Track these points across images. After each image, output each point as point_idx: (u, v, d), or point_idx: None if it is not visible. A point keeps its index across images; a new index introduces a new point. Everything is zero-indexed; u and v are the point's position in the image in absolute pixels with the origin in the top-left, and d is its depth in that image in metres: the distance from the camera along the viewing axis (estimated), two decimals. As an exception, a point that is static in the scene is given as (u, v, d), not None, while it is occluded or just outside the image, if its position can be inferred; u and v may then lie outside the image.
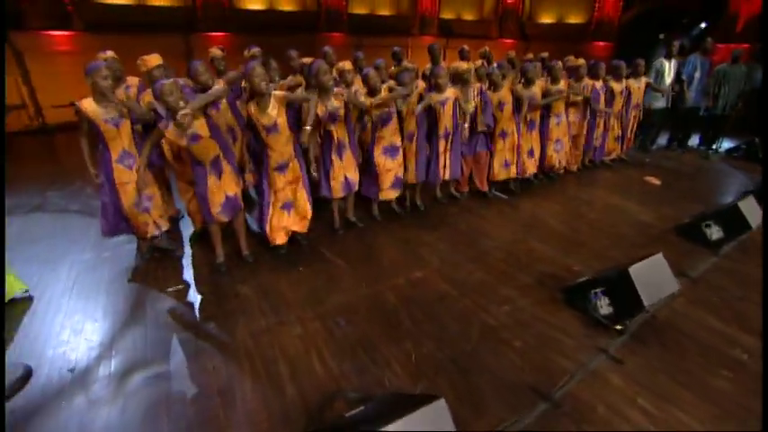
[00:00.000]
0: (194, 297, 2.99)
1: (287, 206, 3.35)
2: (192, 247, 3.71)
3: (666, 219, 4.36)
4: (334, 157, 3.53)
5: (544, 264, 3.45)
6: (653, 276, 2.52)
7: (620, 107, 5.68)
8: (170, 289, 3.07)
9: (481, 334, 2.62)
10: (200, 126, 2.85)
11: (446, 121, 4.09)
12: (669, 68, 6.17)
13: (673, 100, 6.45)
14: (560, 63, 4.90)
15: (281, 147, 3.14)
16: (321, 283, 3.12)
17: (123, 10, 7.34)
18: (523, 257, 3.55)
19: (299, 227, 3.47)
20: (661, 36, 10.31)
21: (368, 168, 3.87)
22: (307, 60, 4.18)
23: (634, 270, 2.45)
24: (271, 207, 3.28)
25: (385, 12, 10.57)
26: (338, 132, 3.48)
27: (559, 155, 5.25)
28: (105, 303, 2.91)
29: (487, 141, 4.60)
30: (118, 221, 3.17)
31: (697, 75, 6.56)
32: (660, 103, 6.40)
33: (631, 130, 6.11)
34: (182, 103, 2.69)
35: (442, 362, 2.40)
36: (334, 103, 3.33)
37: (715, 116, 6.65)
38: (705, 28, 9.31)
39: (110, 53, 3.45)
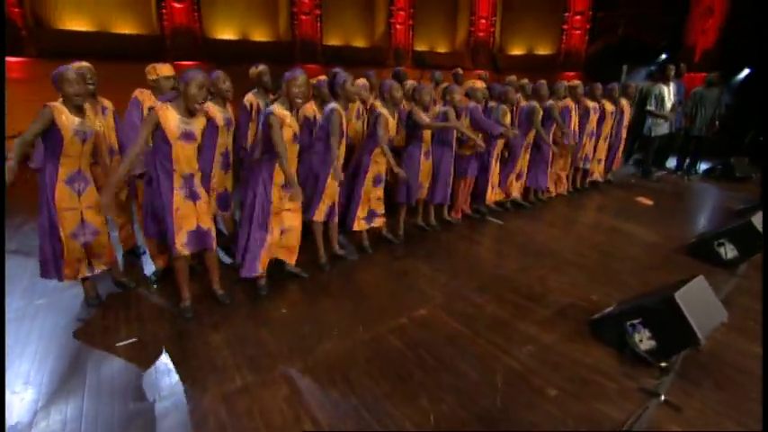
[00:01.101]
0: (151, 352, 2.41)
1: (282, 230, 2.95)
2: (152, 286, 3.14)
3: (671, 238, 4.16)
4: (330, 177, 3.15)
5: (559, 293, 3.09)
6: (699, 303, 2.19)
7: (607, 129, 5.59)
8: (120, 343, 2.47)
9: (507, 382, 2.18)
10: (198, 126, 2.49)
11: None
12: (669, 93, 6.11)
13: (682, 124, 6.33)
14: (544, 82, 4.77)
15: (292, 161, 2.84)
16: (310, 328, 2.62)
17: (83, 37, 6.89)
18: (536, 287, 3.18)
19: (283, 255, 3.01)
20: (624, 67, 10.66)
21: (352, 195, 3.50)
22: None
23: (681, 296, 2.10)
24: (269, 232, 2.82)
25: (360, 43, 10.58)
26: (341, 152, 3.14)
27: (546, 177, 5.06)
28: (30, 368, 2.27)
29: (478, 166, 4.31)
30: (56, 257, 2.62)
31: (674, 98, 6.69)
32: (663, 128, 6.25)
33: (615, 152, 6.03)
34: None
35: (468, 421, 1.94)
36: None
37: (693, 138, 6.74)
38: (665, 59, 9.73)
39: (85, 64, 3.00)
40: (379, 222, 3.65)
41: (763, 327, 2.11)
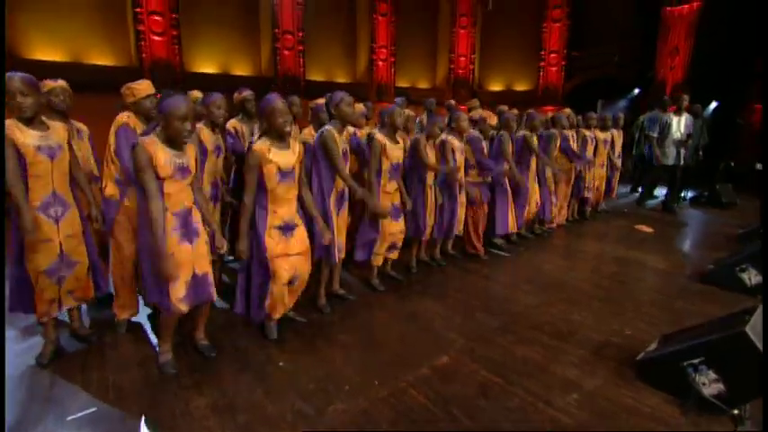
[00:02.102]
0: (115, 426, 1.92)
1: (292, 281, 2.49)
2: (119, 336, 2.64)
3: (682, 266, 4.00)
4: (332, 211, 2.80)
5: (589, 330, 2.79)
6: (768, 337, 1.92)
7: (602, 157, 5.55)
8: (72, 417, 1.97)
9: (560, 442, 1.82)
10: (190, 158, 2.13)
11: (460, 172, 3.68)
12: (678, 124, 5.93)
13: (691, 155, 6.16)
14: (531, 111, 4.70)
15: (290, 201, 2.45)
16: (315, 385, 2.19)
17: (56, 67, 6.49)
18: (560, 323, 2.87)
19: (290, 300, 2.62)
20: (600, 101, 11.02)
21: (363, 228, 3.16)
22: (319, 101, 3.59)
23: (752, 330, 1.83)
24: (274, 278, 2.41)
25: (342, 79, 10.60)
26: (340, 187, 2.82)
27: (554, 207, 4.91)
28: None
29: (487, 194, 4.10)
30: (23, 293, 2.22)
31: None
32: (670, 159, 6.04)
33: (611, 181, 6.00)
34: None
35: (526, 501, 1.55)
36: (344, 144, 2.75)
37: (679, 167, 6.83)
38: (638, 94, 10.13)
39: (60, 81, 2.64)
40: (395, 255, 3.34)
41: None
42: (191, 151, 2.15)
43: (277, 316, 2.54)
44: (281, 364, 2.37)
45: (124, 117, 2.58)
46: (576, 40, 10.60)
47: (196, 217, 2.19)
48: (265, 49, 9.39)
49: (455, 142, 3.63)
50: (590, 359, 2.46)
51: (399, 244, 3.31)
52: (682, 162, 6.01)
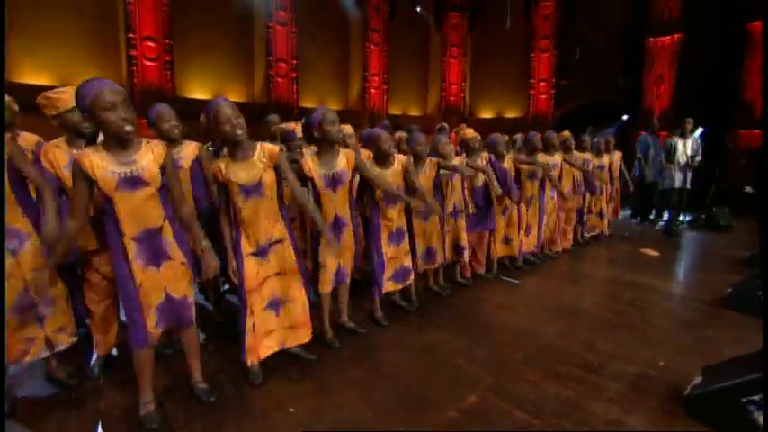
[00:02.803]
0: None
1: (274, 304, 2.24)
2: (97, 380, 2.33)
3: (698, 290, 3.87)
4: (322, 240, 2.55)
5: (620, 361, 2.59)
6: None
7: (600, 182, 5.51)
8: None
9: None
10: (147, 163, 1.75)
11: (455, 197, 3.48)
12: (684, 146, 5.91)
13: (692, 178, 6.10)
14: (555, 134, 4.65)
15: (263, 220, 2.16)
16: (330, 433, 1.93)
17: (43, 91, 6.30)
18: (588, 355, 2.67)
19: (292, 339, 2.34)
20: (589, 128, 11.20)
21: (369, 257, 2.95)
22: (288, 126, 3.44)
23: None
24: (248, 312, 2.14)
25: (335, 106, 10.60)
26: (338, 205, 2.58)
27: (555, 232, 4.80)
28: None
29: (491, 218, 3.97)
30: None
31: (652, 152, 6.89)
32: (675, 183, 6.03)
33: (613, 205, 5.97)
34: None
35: None
36: (339, 165, 2.51)
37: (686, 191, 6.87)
38: (626, 120, 10.36)
39: (8, 98, 2.39)
40: (411, 279, 3.10)
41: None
42: (151, 155, 1.76)
43: (255, 359, 2.24)
44: (291, 410, 2.09)
45: (51, 149, 2.13)
46: (564, 68, 10.89)
47: (167, 238, 1.86)
48: (259, 76, 9.36)
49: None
50: (628, 394, 2.25)
51: (411, 276, 3.07)
52: (688, 186, 5.97)
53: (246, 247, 2.14)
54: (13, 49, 6.07)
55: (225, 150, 2.17)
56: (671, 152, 5.93)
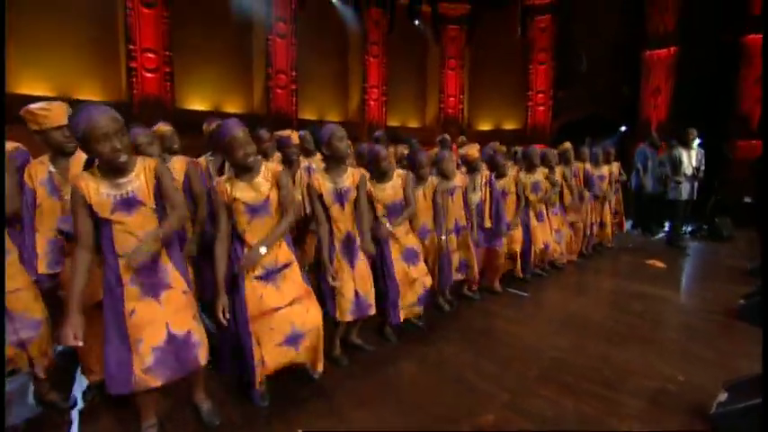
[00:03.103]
0: None
1: (293, 340, 2.06)
2: (91, 401, 2.22)
3: (709, 301, 3.81)
4: (342, 260, 2.48)
5: (638, 376, 2.52)
6: None
7: (602, 193, 5.49)
8: None
9: None
10: (141, 182, 1.69)
11: (456, 213, 3.42)
12: (689, 158, 5.79)
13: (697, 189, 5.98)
14: (554, 151, 4.64)
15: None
16: (344, 456, 1.83)
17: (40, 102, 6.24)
18: (604, 369, 2.59)
19: (306, 357, 2.18)
20: (587, 139, 11.24)
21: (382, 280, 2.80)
22: (284, 133, 3.38)
23: None
24: (253, 343, 2.01)
25: (334, 117, 10.61)
26: (347, 222, 2.50)
27: (561, 245, 4.74)
28: None
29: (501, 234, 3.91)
30: None
31: (650, 164, 6.91)
32: (683, 194, 5.87)
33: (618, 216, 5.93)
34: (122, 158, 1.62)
35: None
36: (345, 182, 2.45)
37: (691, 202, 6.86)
38: (624, 132, 10.42)
39: None
40: (419, 310, 2.95)
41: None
42: (143, 173, 1.70)
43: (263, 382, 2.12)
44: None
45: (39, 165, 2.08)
46: (562, 80, 10.98)
47: (165, 264, 1.75)
48: (258, 88, 9.36)
49: (447, 185, 3.33)
50: (651, 411, 2.17)
51: (429, 285, 2.92)
52: (695, 197, 5.91)
53: (252, 269, 2.02)
54: (11, 59, 6.02)
55: (228, 168, 2.08)
56: (676, 164, 5.84)
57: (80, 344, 1.56)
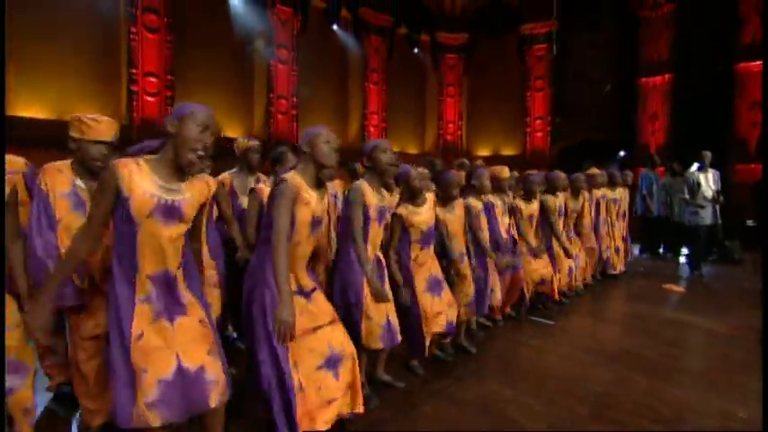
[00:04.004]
0: None
1: (332, 363, 1.82)
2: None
3: (739, 327, 3.67)
4: (364, 288, 2.25)
5: (694, 413, 2.32)
6: None
7: (613, 216, 5.41)
8: None
9: None
10: (190, 197, 1.52)
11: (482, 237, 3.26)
12: (707, 180, 5.59)
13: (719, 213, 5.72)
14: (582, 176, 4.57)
15: (307, 258, 1.92)
16: None
17: (39, 125, 6.02)
18: (658, 406, 2.39)
19: (344, 403, 1.86)
20: (585, 164, 11.33)
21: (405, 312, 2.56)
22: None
23: None
24: (290, 364, 1.73)
25: (334, 143, 10.55)
26: (376, 244, 2.33)
27: (577, 270, 4.60)
28: None
29: (519, 258, 3.76)
30: None
31: (655, 188, 6.90)
32: (707, 219, 5.60)
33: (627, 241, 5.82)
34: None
35: None
36: (386, 199, 2.30)
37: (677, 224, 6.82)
38: (623, 157, 10.52)
39: None
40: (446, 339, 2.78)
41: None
42: (196, 189, 1.53)
43: (317, 426, 1.75)
44: (337, 486, 1.74)
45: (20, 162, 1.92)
46: (560, 106, 11.15)
47: (181, 285, 1.54)
48: (259, 112, 9.31)
49: (478, 205, 3.23)
50: (722, 455, 1.97)
51: (452, 320, 2.69)
52: (718, 220, 5.68)
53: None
54: (11, 81, 5.87)
55: (293, 174, 1.85)
56: (694, 189, 5.62)
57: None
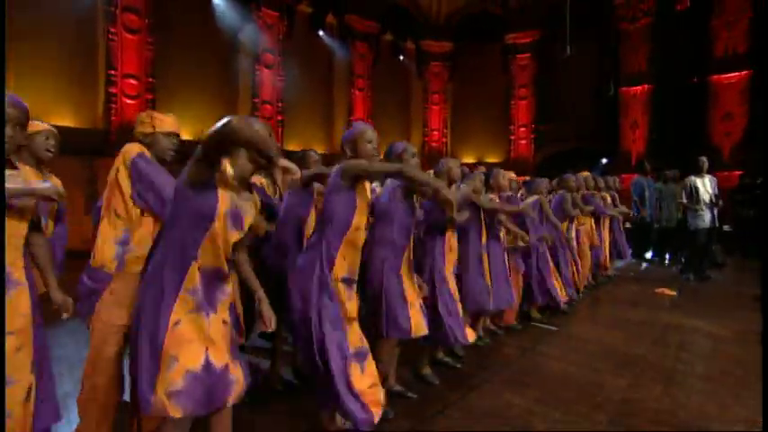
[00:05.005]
0: None
1: (361, 355, 1.85)
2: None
3: (740, 331, 3.69)
4: (405, 275, 2.22)
5: (714, 420, 2.28)
6: None
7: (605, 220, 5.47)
8: None
9: None
10: (250, 208, 1.57)
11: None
12: (704, 185, 5.66)
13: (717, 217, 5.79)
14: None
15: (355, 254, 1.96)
16: None
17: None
18: (678, 411, 2.34)
19: (376, 402, 1.84)
20: (568, 171, 11.53)
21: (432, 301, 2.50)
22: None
23: None
24: (347, 355, 1.77)
25: (320, 148, 10.40)
26: (409, 236, 2.26)
27: (578, 275, 4.60)
28: None
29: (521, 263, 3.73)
30: None
31: (647, 193, 7.05)
32: (704, 222, 5.66)
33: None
34: None
35: None
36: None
37: (666, 229, 6.98)
38: (606, 163, 10.76)
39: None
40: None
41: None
42: (251, 205, 1.57)
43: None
44: None
45: (136, 147, 1.88)
46: (543, 114, 11.36)
47: (222, 285, 1.51)
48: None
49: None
50: (753, 462, 1.91)
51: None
52: (716, 224, 5.76)
53: (340, 271, 1.86)
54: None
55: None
56: (692, 193, 5.68)
57: None
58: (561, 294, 3.89)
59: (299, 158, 2.70)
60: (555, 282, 3.86)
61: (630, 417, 2.29)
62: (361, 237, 1.94)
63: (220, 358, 1.44)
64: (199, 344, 1.41)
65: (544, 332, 3.68)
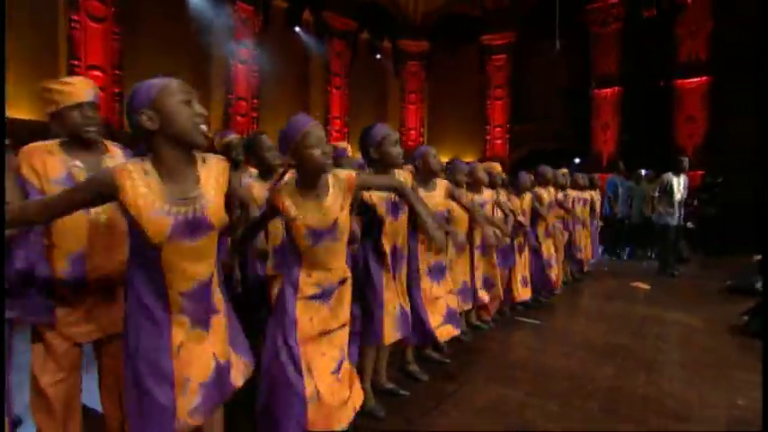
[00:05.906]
0: None
1: (339, 365, 1.66)
2: None
3: (713, 321, 3.84)
4: (385, 276, 2.11)
5: (700, 405, 2.34)
6: None
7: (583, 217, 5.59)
8: None
9: None
10: (213, 196, 1.26)
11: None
12: (678, 184, 5.81)
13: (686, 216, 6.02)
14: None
15: (337, 262, 1.67)
16: None
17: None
18: (665, 399, 2.39)
19: (346, 412, 1.66)
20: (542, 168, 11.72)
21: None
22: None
23: None
24: (304, 372, 1.54)
25: (297, 147, 10.22)
26: (398, 235, 2.15)
27: (554, 269, 4.66)
28: None
29: (512, 255, 3.74)
30: None
31: (620, 191, 7.28)
32: (674, 220, 5.84)
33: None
34: None
35: None
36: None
37: (635, 225, 7.25)
38: (578, 163, 11.05)
39: None
40: (453, 331, 2.52)
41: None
42: (213, 181, 1.28)
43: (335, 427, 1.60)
44: None
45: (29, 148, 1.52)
46: (518, 114, 11.57)
47: (215, 287, 1.35)
48: (216, 113, 8.77)
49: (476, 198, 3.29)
50: (741, 444, 1.96)
51: (455, 308, 2.58)
52: (681, 222, 5.98)
53: (305, 290, 1.60)
54: None
55: (286, 177, 1.64)
56: (667, 190, 5.83)
57: None
58: (523, 292, 3.88)
59: (250, 141, 2.46)
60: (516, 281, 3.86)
61: (620, 404, 2.33)
62: (323, 253, 1.66)
63: (225, 354, 1.37)
64: (206, 355, 1.31)
65: (528, 326, 3.70)
